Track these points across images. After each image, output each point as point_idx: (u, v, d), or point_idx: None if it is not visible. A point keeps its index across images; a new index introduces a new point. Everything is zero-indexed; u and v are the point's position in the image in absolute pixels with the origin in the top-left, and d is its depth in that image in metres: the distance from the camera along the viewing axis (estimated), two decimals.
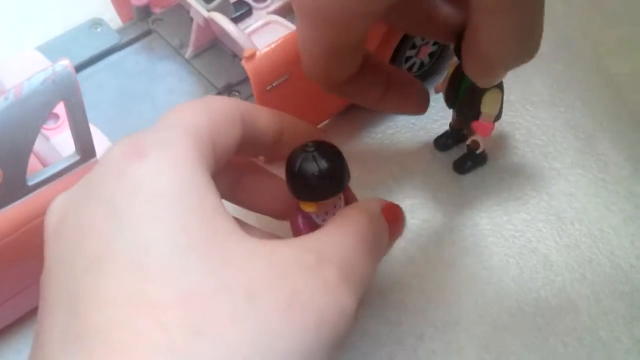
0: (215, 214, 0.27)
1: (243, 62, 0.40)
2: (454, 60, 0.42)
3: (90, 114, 0.35)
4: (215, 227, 0.27)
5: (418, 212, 0.46)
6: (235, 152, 0.32)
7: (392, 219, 0.35)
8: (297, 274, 0.27)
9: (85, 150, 0.36)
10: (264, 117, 0.35)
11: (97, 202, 0.27)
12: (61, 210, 0.29)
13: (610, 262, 0.44)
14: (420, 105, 0.43)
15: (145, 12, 0.50)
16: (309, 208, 0.34)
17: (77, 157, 0.36)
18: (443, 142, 0.48)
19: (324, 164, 0.33)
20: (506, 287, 0.43)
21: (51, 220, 0.29)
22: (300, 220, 0.35)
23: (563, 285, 0.43)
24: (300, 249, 0.28)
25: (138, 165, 0.27)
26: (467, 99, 0.43)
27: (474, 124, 0.43)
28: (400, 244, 0.44)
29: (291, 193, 0.34)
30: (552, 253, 0.44)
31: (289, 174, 0.34)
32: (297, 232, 0.35)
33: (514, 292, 0.42)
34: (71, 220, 0.28)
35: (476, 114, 0.43)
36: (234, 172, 0.36)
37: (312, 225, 0.35)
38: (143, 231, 0.26)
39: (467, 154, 0.47)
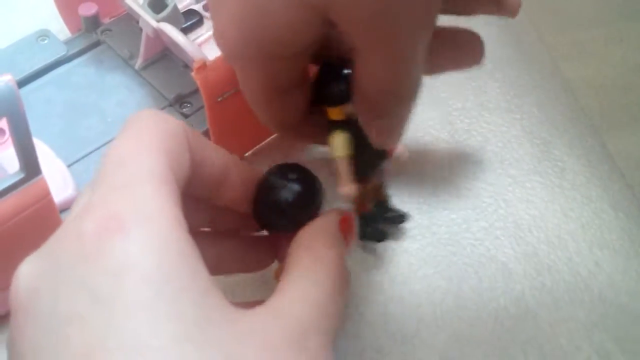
0: (207, 292, 0.26)
1: (193, 73, 0.39)
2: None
3: (36, 128, 0.34)
4: (208, 308, 0.26)
5: None
6: (186, 185, 0.30)
7: (347, 229, 0.34)
8: (287, 352, 0.27)
9: (30, 167, 0.35)
10: (210, 148, 0.33)
11: (78, 287, 0.25)
12: (32, 283, 0.26)
13: (569, 269, 0.43)
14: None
15: (93, 23, 0.49)
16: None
17: (22, 175, 0.35)
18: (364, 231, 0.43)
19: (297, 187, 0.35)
20: (465, 296, 0.42)
21: (21, 290, 0.26)
22: None
23: (522, 294, 0.42)
24: (284, 322, 0.28)
25: (119, 242, 0.25)
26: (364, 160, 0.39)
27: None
28: (357, 255, 0.43)
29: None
30: (511, 261, 0.44)
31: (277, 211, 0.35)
32: None
33: (473, 301, 0.42)
34: (47, 301, 0.25)
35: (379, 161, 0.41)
36: (216, 246, 0.36)
37: None
38: (135, 322, 0.24)
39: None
